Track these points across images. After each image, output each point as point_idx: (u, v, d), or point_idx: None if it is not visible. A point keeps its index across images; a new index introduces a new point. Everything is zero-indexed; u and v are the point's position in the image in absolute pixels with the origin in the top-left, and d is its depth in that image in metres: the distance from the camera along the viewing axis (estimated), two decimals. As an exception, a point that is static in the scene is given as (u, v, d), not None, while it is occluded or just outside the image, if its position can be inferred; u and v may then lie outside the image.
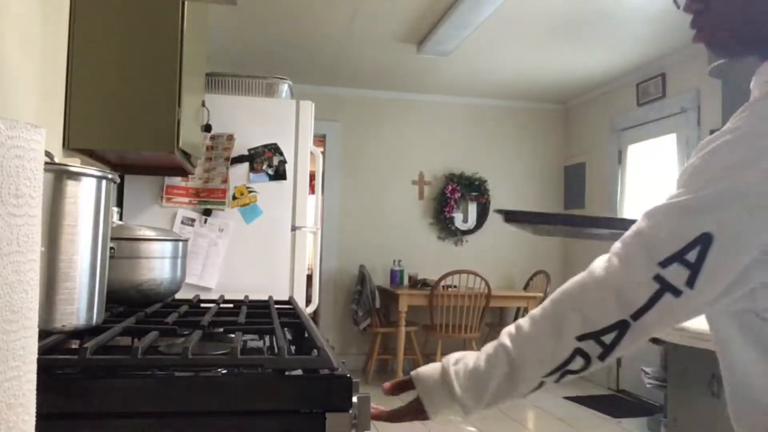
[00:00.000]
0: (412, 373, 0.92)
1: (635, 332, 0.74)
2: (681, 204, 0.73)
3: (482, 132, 5.90)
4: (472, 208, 5.80)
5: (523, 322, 0.83)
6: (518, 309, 5.49)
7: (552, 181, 6.00)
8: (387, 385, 0.93)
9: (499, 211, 1.38)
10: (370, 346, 5.34)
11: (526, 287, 5.71)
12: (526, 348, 0.81)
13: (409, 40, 4.33)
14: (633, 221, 0.79)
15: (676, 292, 0.71)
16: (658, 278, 0.72)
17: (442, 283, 4.85)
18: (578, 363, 0.77)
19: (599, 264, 0.79)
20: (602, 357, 0.76)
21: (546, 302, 0.83)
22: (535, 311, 0.83)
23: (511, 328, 0.84)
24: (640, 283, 0.73)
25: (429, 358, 5.22)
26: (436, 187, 5.76)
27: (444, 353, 5.31)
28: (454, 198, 5.69)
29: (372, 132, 5.69)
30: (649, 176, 4.84)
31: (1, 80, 1.22)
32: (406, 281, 5.32)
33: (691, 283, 0.70)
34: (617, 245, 0.78)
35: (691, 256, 0.70)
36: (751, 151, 0.70)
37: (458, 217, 5.74)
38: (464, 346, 5.51)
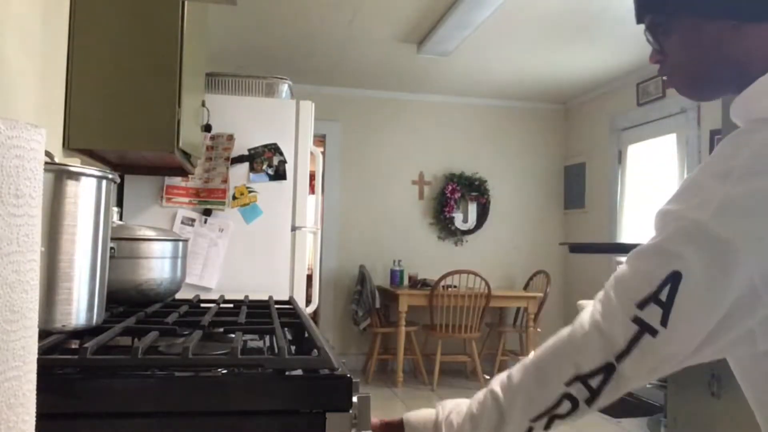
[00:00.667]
0: (404, 417, 0.92)
1: (621, 377, 0.76)
2: (653, 245, 0.75)
3: (482, 132, 5.90)
4: (472, 208, 5.80)
5: (514, 370, 0.84)
6: (518, 309, 5.49)
7: (552, 181, 6.00)
8: (375, 421, 0.93)
9: (564, 244, 1.43)
10: (370, 346, 5.34)
11: (526, 287, 5.71)
12: (515, 393, 0.82)
13: (409, 40, 4.33)
14: None
15: (653, 332, 0.73)
16: (636, 320, 0.73)
17: (442, 283, 4.85)
18: (565, 407, 0.79)
19: (585, 313, 0.81)
20: (589, 402, 0.78)
21: (537, 351, 0.85)
22: (526, 360, 0.84)
23: (502, 376, 0.85)
24: (621, 324, 0.75)
25: (429, 358, 5.22)
26: (436, 187, 5.76)
27: (444, 353, 5.31)
28: (454, 198, 5.69)
29: (372, 132, 5.69)
30: (649, 176, 4.84)
31: (1, 80, 1.22)
32: (406, 281, 5.32)
33: (664, 321, 0.72)
34: (601, 292, 0.81)
35: (663, 295, 0.72)
36: (706, 191, 0.72)
37: (458, 217, 5.74)
38: (464, 346, 5.51)
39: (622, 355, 0.75)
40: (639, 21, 0.92)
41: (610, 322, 0.76)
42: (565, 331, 0.83)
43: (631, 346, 0.74)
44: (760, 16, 0.80)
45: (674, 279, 0.71)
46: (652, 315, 0.72)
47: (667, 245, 0.74)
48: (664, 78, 0.90)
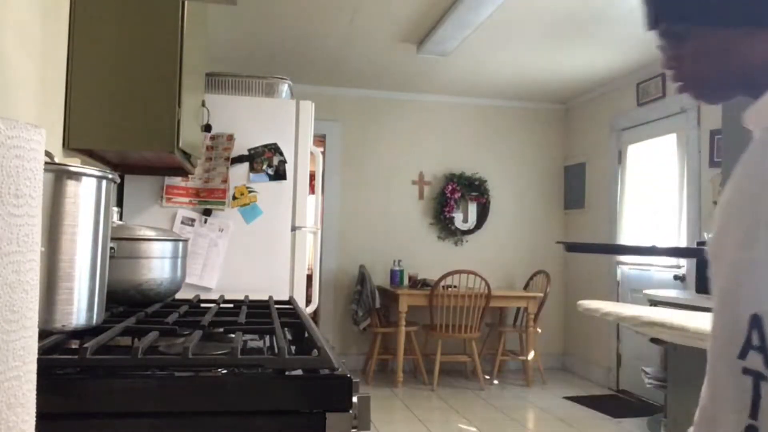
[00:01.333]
0: None
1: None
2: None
3: (482, 132, 5.90)
4: (472, 208, 5.80)
5: None
6: (518, 309, 5.49)
7: (552, 181, 6.00)
8: None
9: (560, 243, 1.42)
10: (370, 346, 5.34)
11: (526, 287, 5.71)
12: None
13: (409, 40, 4.33)
14: (673, 249, 0.80)
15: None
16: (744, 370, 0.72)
17: (442, 283, 4.85)
18: None
19: None
20: None
21: None
22: None
23: None
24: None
25: (429, 358, 5.22)
26: (436, 187, 5.76)
27: (444, 353, 5.32)
28: (454, 198, 5.69)
29: (372, 132, 5.69)
30: (649, 176, 4.84)
31: (1, 80, 1.22)
32: (406, 281, 5.32)
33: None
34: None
35: (755, 340, 0.71)
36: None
37: (458, 217, 5.74)
38: (464, 346, 5.51)
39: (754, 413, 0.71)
40: (652, 28, 0.92)
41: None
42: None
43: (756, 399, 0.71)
44: None
45: (756, 321, 0.71)
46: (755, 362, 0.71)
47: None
48: (678, 84, 0.91)
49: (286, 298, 1.88)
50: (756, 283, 0.71)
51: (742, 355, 0.72)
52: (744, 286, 0.73)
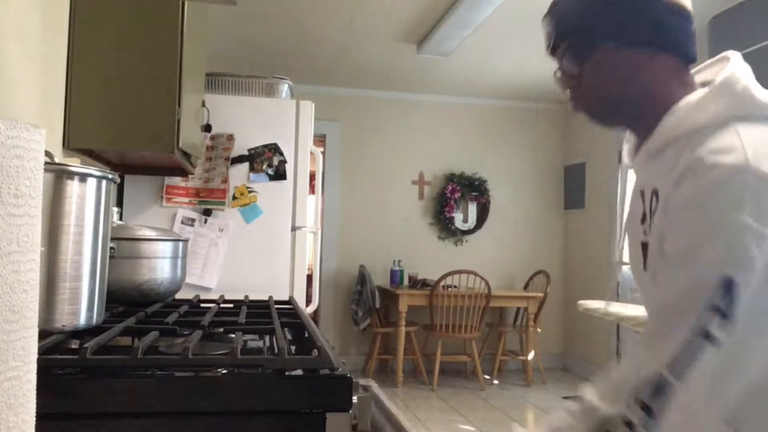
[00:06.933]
0: None
1: (680, 393, 0.74)
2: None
3: (482, 132, 5.90)
4: (472, 208, 5.80)
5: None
6: (518, 309, 5.49)
7: (552, 181, 6.00)
8: None
9: None
10: (370, 346, 5.34)
11: (526, 287, 5.71)
12: (581, 409, 0.84)
13: (409, 40, 4.33)
14: None
15: (712, 339, 0.73)
16: (693, 330, 0.74)
17: (442, 283, 4.85)
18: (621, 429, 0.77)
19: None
20: (647, 425, 0.74)
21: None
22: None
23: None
24: (674, 337, 0.75)
25: (429, 358, 5.22)
26: (436, 187, 5.76)
27: (444, 353, 5.30)
28: (454, 198, 5.69)
29: (372, 132, 5.69)
30: (649, 176, 4.83)
31: (1, 80, 1.22)
32: (406, 281, 5.32)
33: (724, 329, 0.73)
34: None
35: (720, 302, 0.74)
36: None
37: (458, 217, 5.74)
38: (464, 346, 5.51)
39: (675, 367, 0.74)
40: (555, 46, 0.97)
41: (668, 343, 0.76)
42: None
43: (691, 360, 0.74)
44: (672, 47, 0.90)
45: (728, 285, 0.73)
46: (711, 323, 0.73)
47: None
48: (573, 102, 0.98)
49: (286, 298, 1.88)
50: (733, 246, 0.74)
51: (700, 315, 0.74)
52: (718, 249, 0.75)
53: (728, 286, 0.73)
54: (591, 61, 0.92)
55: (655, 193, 0.89)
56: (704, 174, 0.77)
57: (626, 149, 1.03)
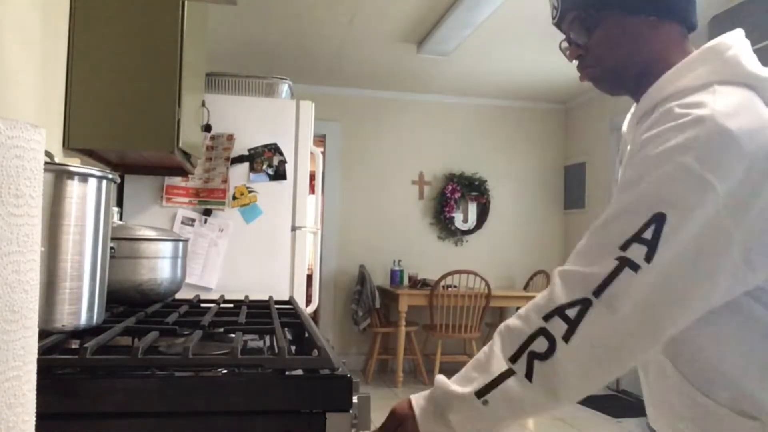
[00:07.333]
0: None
1: (599, 308, 0.79)
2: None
3: (482, 132, 5.90)
4: (472, 208, 5.80)
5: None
6: (518, 309, 5.47)
7: (552, 181, 6.00)
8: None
9: None
10: (370, 346, 5.34)
11: (526, 287, 5.71)
12: (502, 334, 0.87)
13: (409, 40, 4.33)
14: None
15: (635, 267, 0.78)
16: (619, 258, 0.79)
17: (442, 283, 4.85)
18: (542, 344, 0.81)
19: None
20: (567, 337, 0.80)
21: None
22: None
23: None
24: (603, 262, 0.80)
25: (429, 358, 5.22)
26: (436, 187, 5.76)
27: (444, 353, 5.30)
28: (454, 198, 5.69)
29: (372, 132, 5.69)
30: (649, 176, 4.83)
31: (1, 80, 1.22)
32: (406, 281, 5.32)
33: (649, 258, 0.77)
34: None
35: (648, 234, 0.79)
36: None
37: (458, 217, 5.74)
38: (464, 346, 5.51)
39: (600, 289, 0.79)
40: (561, 18, 0.99)
41: (591, 261, 0.81)
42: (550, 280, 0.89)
43: (610, 280, 0.78)
44: (677, 15, 0.92)
45: (658, 219, 0.77)
46: (636, 253, 0.77)
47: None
48: (582, 72, 0.99)
49: (286, 298, 1.88)
50: (669, 182, 0.78)
51: (625, 246, 0.79)
52: (654, 181, 0.79)
53: (658, 220, 0.77)
54: (598, 30, 0.94)
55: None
56: (667, 121, 0.81)
57: (627, 119, 1.04)
